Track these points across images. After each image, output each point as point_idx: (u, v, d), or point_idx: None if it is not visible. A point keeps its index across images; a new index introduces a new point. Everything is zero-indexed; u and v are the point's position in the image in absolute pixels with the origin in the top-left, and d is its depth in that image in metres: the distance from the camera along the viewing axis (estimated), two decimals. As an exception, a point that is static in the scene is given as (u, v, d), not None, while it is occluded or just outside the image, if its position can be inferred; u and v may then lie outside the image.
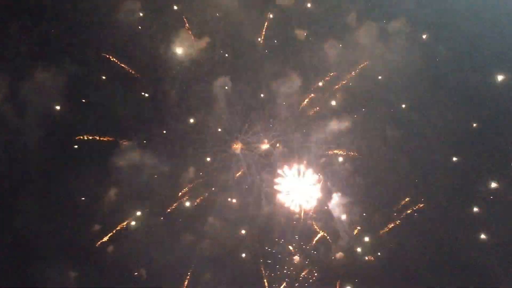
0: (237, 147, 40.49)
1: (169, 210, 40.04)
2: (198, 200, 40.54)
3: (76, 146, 37.63)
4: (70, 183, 37.23)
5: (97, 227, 38.90)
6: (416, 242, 40.73)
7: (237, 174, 40.95)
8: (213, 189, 40.77)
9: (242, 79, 40.18)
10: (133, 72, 38.52)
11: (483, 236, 40.38)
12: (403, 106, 41.48)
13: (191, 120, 40.33)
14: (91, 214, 38.72)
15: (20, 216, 36.58)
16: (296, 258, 40.79)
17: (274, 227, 41.27)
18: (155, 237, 39.96)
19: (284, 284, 40.65)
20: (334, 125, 40.54)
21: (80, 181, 37.36)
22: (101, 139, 37.92)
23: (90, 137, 37.55)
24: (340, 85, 41.06)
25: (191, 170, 40.11)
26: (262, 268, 40.68)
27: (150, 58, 38.93)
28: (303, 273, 40.94)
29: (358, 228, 41.24)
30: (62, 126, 36.99)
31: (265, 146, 40.71)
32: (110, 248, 39.09)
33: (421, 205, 40.92)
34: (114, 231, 38.79)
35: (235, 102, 40.13)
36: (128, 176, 38.46)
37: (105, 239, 38.42)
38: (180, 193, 40.13)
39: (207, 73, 39.95)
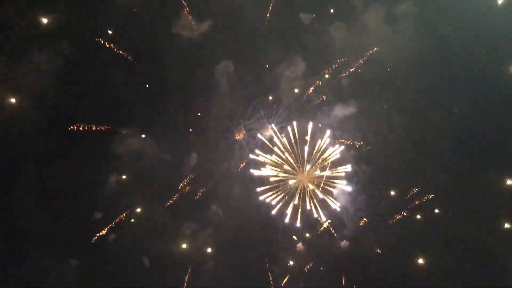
0: (240, 133, 39.50)
1: (171, 201, 39.44)
2: (200, 193, 39.84)
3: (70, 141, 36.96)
4: (69, 170, 36.72)
5: (98, 215, 38.53)
6: (424, 235, 39.96)
7: (241, 165, 40.05)
8: (215, 178, 40.13)
9: (245, 63, 39.14)
10: (130, 59, 37.59)
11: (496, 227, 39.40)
12: (411, 92, 40.27)
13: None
14: (92, 202, 38.39)
15: (18, 204, 36.10)
16: (300, 246, 39.95)
17: (278, 216, 40.46)
18: (157, 225, 39.62)
19: (288, 276, 40.15)
20: (340, 112, 39.48)
21: (80, 168, 37.00)
22: (98, 128, 36.98)
23: (86, 127, 36.59)
24: (347, 73, 40.01)
25: (193, 157, 39.37)
26: (266, 260, 40.34)
27: (150, 42, 38.01)
28: (307, 267, 40.28)
29: (365, 219, 40.26)
30: (59, 110, 36.26)
31: (268, 132, 39.56)
32: (112, 237, 38.78)
33: (430, 196, 39.82)
34: (113, 223, 38.27)
35: (237, 87, 39.18)
36: (128, 163, 38.01)
37: (104, 232, 37.92)
38: (182, 184, 39.47)
39: (209, 57, 38.97)
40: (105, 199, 38.33)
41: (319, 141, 37.15)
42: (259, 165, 38.31)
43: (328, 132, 37.45)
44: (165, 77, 38.79)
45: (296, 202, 38.61)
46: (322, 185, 38.05)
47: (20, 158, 36.09)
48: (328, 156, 37.84)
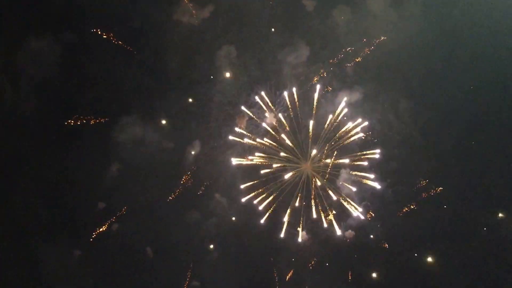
0: (243, 121, 38.51)
1: (173, 195, 38.90)
2: (202, 188, 39.18)
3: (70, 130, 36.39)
4: (70, 158, 36.63)
5: (101, 205, 38.50)
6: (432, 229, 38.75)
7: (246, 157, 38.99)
8: (218, 167, 39.22)
9: (247, 48, 38.25)
10: (130, 49, 37.00)
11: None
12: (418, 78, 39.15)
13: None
14: (94, 192, 38.36)
15: (19, 194, 36.13)
16: (304, 234, 38.80)
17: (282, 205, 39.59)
18: (160, 214, 39.26)
19: (292, 271, 39.33)
20: (345, 98, 38.33)
21: (80, 157, 36.73)
22: (96, 121, 36.20)
23: (84, 120, 35.88)
24: (352, 64, 39.02)
25: (195, 145, 38.75)
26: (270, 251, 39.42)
27: (150, 28, 37.46)
28: (312, 261, 39.33)
29: (371, 212, 38.79)
30: (59, 98, 36.03)
31: (272, 120, 38.60)
32: (115, 227, 38.63)
33: (439, 189, 38.44)
34: (114, 218, 37.89)
35: (240, 73, 38.23)
36: (130, 152, 37.51)
37: (106, 225, 37.60)
38: (184, 178, 38.80)
39: (211, 42, 38.21)
40: (107, 189, 38.17)
41: (330, 116, 28.29)
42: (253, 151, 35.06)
43: (345, 100, 29.24)
44: (165, 65, 38.32)
45: (297, 204, 33.91)
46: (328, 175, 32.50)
47: (20, 148, 35.98)
48: (348, 133, 30.21)
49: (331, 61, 38.93)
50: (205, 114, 38.36)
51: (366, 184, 35.73)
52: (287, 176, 33.36)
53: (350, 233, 38.82)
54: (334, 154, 31.84)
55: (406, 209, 38.71)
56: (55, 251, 36.53)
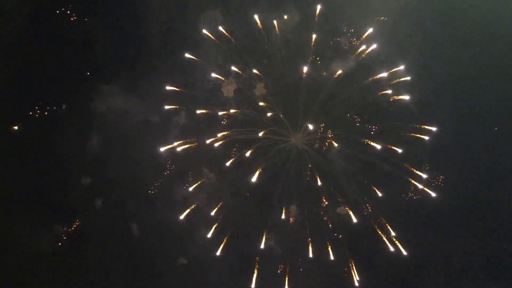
0: (230, 90, 36.68)
1: (157, 184, 37.28)
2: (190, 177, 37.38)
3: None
4: (47, 129, 35.46)
5: (85, 180, 37.29)
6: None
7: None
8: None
9: (233, 12, 36.36)
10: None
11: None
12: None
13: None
14: (76, 166, 37.33)
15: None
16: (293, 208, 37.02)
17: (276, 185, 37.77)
18: (146, 190, 37.95)
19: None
20: (337, 68, 36.41)
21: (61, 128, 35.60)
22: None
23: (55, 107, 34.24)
24: (348, 45, 36.87)
25: (182, 116, 37.17)
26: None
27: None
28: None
29: (368, 206, 36.78)
30: (33, 65, 34.59)
31: (260, 90, 36.86)
32: (99, 203, 37.51)
33: (441, 177, 36.38)
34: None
35: (226, 39, 36.33)
36: (112, 123, 36.37)
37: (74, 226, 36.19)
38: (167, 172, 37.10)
39: (194, 6, 36.34)
40: (90, 163, 37.21)
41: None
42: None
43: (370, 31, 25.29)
44: (147, 30, 36.85)
45: (283, 216, 32.21)
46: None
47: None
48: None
49: (332, 40, 37.10)
50: (189, 83, 36.89)
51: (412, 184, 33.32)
52: (254, 178, 30.15)
53: (342, 209, 37.29)
54: (329, 134, 29.20)
55: (403, 195, 36.67)
56: (36, 230, 35.97)
